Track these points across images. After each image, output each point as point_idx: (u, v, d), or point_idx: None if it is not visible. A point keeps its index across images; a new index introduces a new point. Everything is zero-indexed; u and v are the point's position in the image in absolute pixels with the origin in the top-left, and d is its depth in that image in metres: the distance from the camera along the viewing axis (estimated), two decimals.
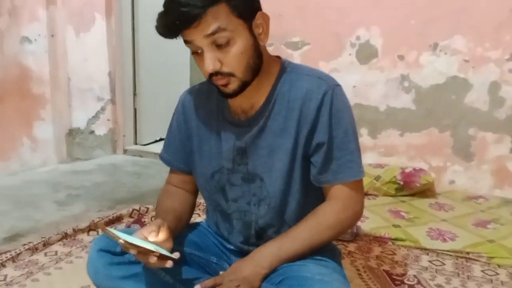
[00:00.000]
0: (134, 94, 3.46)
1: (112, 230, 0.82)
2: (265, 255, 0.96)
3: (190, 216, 1.19)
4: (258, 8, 0.94)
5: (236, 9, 0.87)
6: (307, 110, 0.95)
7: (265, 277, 0.94)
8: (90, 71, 3.15)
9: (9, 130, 2.74)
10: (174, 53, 3.69)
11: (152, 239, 0.89)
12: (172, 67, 3.72)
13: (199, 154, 1.08)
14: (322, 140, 0.96)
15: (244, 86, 0.93)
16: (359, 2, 2.51)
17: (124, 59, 3.33)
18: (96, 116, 3.21)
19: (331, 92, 0.95)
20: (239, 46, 0.88)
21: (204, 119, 1.07)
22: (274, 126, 0.98)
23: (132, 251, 0.84)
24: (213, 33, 0.85)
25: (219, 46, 0.87)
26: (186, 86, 3.95)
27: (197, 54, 0.90)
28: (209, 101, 1.07)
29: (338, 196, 0.99)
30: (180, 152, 1.13)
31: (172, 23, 0.86)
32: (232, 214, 1.08)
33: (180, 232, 1.10)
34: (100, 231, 1.79)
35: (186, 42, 0.89)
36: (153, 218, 1.72)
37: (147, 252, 0.84)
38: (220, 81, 0.91)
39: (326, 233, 0.99)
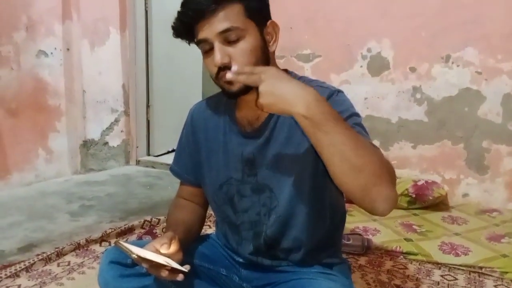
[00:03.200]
0: (147, 106, 3.51)
1: (125, 244, 0.83)
2: (319, 97, 0.77)
3: (200, 229, 1.20)
4: (269, 16, 0.97)
5: (249, 11, 0.90)
6: None
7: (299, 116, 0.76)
8: (105, 83, 3.20)
9: (24, 142, 2.79)
10: (186, 66, 3.76)
11: (163, 251, 0.90)
12: (185, 80, 3.77)
13: (207, 166, 1.09)
14: None
15: (248, 86, 0.91)
16: (368, 13, 2.51)
17: (138, 71, 3.39)
18: (110, 128, 3.26)
19: (335, 95, 0.95)
20: (249, 44, 0.90)
21: (212, 132, 1.08)
22: (280, 136, 0.98)
23: (145, 265, 0.85)
24: (225, 31, 0.88)
25: (229, 43, 0.89)
26: (199, 98, 3.99)
27: (207, 54, 0.92)
28: (217, 113, 1.09)
29: None
30: (189, 165, 1.14)
31: (187, 18, 0.90)
32: (241, 225, 1.08)
33: (190, 244, 1.11)
34: (112, 242, 1.81)
35: (198, 42, 0.92)
36: (164, 230, 1.73)
37: (159, 266, 0.85)
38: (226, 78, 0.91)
39: (371, 155, 0.77)
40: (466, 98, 2.33)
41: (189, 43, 0.98)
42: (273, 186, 1.00)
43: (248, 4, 0.90)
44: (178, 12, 0.93)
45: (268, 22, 0.95)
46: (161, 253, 0.90)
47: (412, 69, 2.44)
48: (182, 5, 0.92)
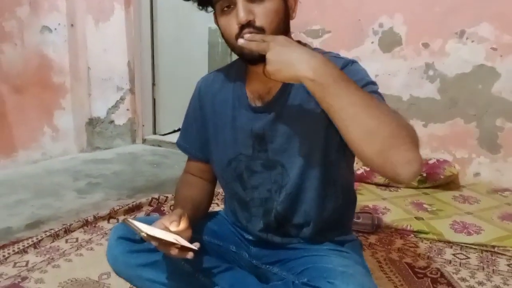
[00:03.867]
0: (153, 84, 3.47)
1: (134, 221, 0.81)
2: (327, 61, 0.75)
3: (209, 205, 1.18)
4: None
5: None
6: None
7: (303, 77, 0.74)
8: (110, 61, 3.16)
9: (30, 120, 2.77)
10: (192, 44, 3.70)
11: (173, 229, 0.88)
12: (191, 58, 3.71)
13: (215, 142, 1.07)
14: None
15: None
16: None
17: (143, 49, 3.33)
18: (115, 106, 3.23)
19: (349, 65, 0.92)
20: (274, 4, 0.87)
21: (220, 106, 1.05)
22: (292, 112, 0.95)
23: (154, 243, 0.83)
24: None
25: (254, 1, 0.85)
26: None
27: (226, 12, 0.88)
28: (225, 87, 1.05)
29: None
30: (196, 140, 1.12)
31: None
32: (251, 202, 1.06)
33: (199, 221, 1.09)
34: (120, 219, 1.80)
35: (217, 0, 0.88)
36: (172, 207, 1.72)
37: (168, 244, 0.83)
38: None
39: (386, 115, 0.73)
40: (479, 75, 2.26)
41: (201, 5, 0.94)
42: (285, 162, 0.98)
43: None
44: None
45: None
46: (170, 230, 0.88)
47: (425, 45, 2.37)
48: None
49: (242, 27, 0.85)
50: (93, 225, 1.74)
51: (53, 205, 2.01)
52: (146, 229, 0.81)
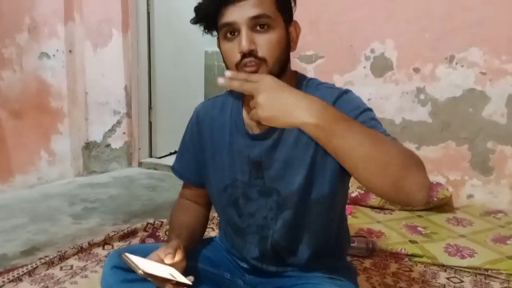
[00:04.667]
0: (150, 108, 3.51)
1: (131, 257, 0.83)
2: (325, 103, 0.74)
3: (204, 231, 1.18)
4: (292, 16, 0.96)
5: (279, 4, 0.89)
6: None
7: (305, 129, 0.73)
8: (107, 85, 3.20)
9: (27, 144, 2.79)
10: (189, 67, 3.76)
11: (168, 261, 0.89)
12: (187, 82, 3.77)
13: (212, 167, 1.07)
14: None
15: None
16: (372, 16, 2.50)
17: (140, 73, 3.38)
18: (112, 130, 3.26)
19: (345, 94, 0.94)
20: (276, 35, 0.88)
21: (218, 132, 1.06)
22: (289, 139, 0.96)
23: (150, 279, 0.84)
24: (256, 17, 0.86)
25: (257, 31, 0.87)
26: (201, 99, 3.99)
27: (229, 40, 0.90)
28: (223, 113, 1.06)
29: None
30: (192, 164, 1.12)
31: (217, 0, 0.88)
32: (247, 229, 1.06)
33: (193, 247, 1.09)
34: (115, 245, 1.80)
35: (223, 26, 0.89)
36: (167, 232, 1.72)
37: (164, 280, 0.84)
38: (250, 68, 0.88)
39: (392, 147, 0.72)
40: (470, 99, 2.31)
41: (206, 30, 0.96)
42: (281, 189, 0.98)
43: None
44: None
45: (293, 21, 0.94)
46: (165, 263, 0.89)
47: (416, 70, 2.43)
48: None
49: (244, 55, 0.87)
50: (88, 251, 1.74)
51: (49, 231, 2.01)
52: (143, 264, 0.82)
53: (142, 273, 0.80)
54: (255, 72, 0.88)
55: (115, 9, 3.22)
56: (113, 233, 1.87)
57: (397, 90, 2.48)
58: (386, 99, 2.51)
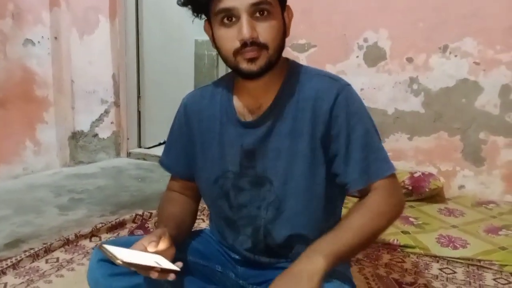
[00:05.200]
0: (138, 97, 3.44)
1: (109, 247, 0.78)
2: (320, 250, 0.83)
3: (193, 223, 1.15)
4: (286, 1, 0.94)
5: None
6: (320, 110, 0.91)
7: (324, 276, 0.81)
8: (94, 73, 3.12)
9: (12, 134, 2.72)
10: (178, 56, 3.69)
11: (151, 249, 0.85)
12: (177, 70, 3.70)
13: (202, 159, 1.04)
14: (340, 143, 0.91)
15: (269, 66, 0.89)
16: (366, 6, 2.47)
17: (128, 61, 3.31)
18: (100, 119, 3.19)
19: (345, 92, 0.91)
20: (276, 22, 0.87)
21: (207, 122, 1.03)
22: (283, 128, 0.94)
23: (133, 268, 0.80)
24: (258, 3, 0.84)
25: (257, 17, 0.85)
26: (191, 88, 3.93)
27: (226, 26, 0.87)
28: (212, 103, 1.03)
29: (379, 187, 0.92)
30: (181, 157, 1.09)
31: None
32: (239, 220, 1.03)
33: (183, 239, 1.06)
34: (102, 237, 1.76)
35: (220, 11, 0.86)
36: (156, 224, 1.68)
37: (148, 267, 0.80)
38: (250, 53, 0.86)
39: (380, 220, 0.90)
40: (463, 89, 2.30)
41: (196, 14, 0.92)
42: (274, 178, 0.96)
43: None
44: None
45: (287, 6, 0.93)
46: (150, 251, 0.85)
47: (409, 60, 2.40)
48: None
49: (245, 43, 0.85)
50: (75, 244, 1.70)
51: (34, 222, 1.96)
52: (123, 254, 0.78)
53: (120, 262, 0.76)
54: (256, 58, 0.86)
55: None
56: (100, 225, 1.82)
57: (390, 80, 2.46)
58: (379, 89, 2.48)
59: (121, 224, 1.88)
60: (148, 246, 0.86)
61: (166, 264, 0.83)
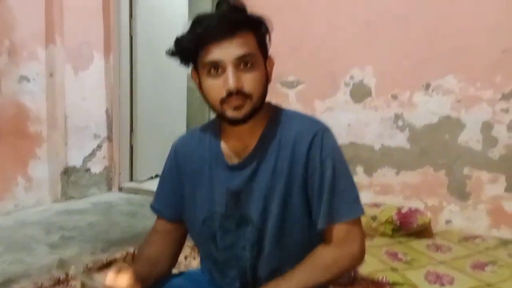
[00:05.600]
0: (131, 131, 3.48)
1: (82, 278, 0.82)
2: None
3: (170, 265, 1.15)
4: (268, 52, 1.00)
5: (260, 42, 0.95)
6: (298, 151, 0.97)
7: None
8: (88, 109, 3.17)
9: (4, 170, 2.73)
10: (171, 91, 3.77)
11: (110, 282, 0.87)
12: (169, 105, 3.76)
13: (191, 200, 1.08)
14: (315, 182, 0.96)
15: (253, 113, 0.95)
16: (352, 43, 2.56)
17: (122, 96, 3.37)
18: (92, 154, 3.21)
19: (321, 133, 0.97)
20: (259, 73, 0.94)
21: (197, 165, 1.07)
22: (267, 168, 0.98)
23: None
24: (242, 57, 0.91)
25: (242, 69, 0.91)
26: (183, 123, 3.99)
27: (213, 77, 0.92)
28: (201, 147, 1.08)
29: (332, 237, 0.97)
30: (170, 199, 1.12)
31: (201, 37, 0.91)
32: (225, 262, 1.06)
33: (157, 280, 1.07)
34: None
35: (207, 64, 0.92)
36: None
37: None
38: (236, 102, 0.92)
39: (322, 274, 0.96)
40: (446, 125, 2.37)
41: (184, 63, 0.98)
42: (254, 218, 1.00)
43: (258, 35, 0.95)
44: (189, 30, 0.93)
45: (268, 56, 1.00)
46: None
47: (394, 97, 2.48)
48: (196, 23, 0.92)
49: (230, 93, 0.90)
50: (65, 283, 1.69)
51: (25, 261, 1.96)
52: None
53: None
54: (241, 106, 0.92)
55: (97, 31, 3.21)
56: (91, 264, 1.82)
57: (377, 117, 2.53)
58: (366, 125, 2.55)
59: (111, 263, 1.88)
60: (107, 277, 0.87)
61: None
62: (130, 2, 3.36)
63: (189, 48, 0.94)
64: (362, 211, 0.99)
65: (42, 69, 2.94)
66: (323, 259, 0.97)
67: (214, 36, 0.90)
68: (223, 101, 0.93)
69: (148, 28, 3.47)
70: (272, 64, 1.02)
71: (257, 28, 0.95)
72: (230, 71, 0.90)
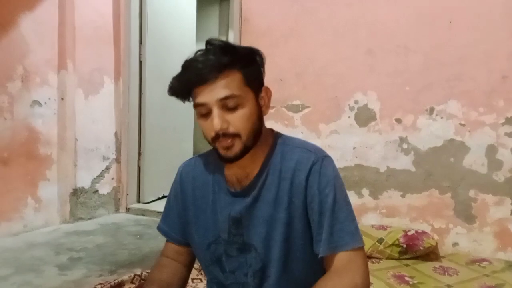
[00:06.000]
0: (139, 153, 3.53)
1: None
2: None
3: (180, 287, 1.16)
4: (263, 82, 1.01)
5: (247, 78, 0.95)
6: (298, 180, 0.98)
7: None
8: (97, 131, 3.23)
9: (14, 191, 2.77)
10: (178, 114, 3.83)
11: None
12: (177, 128, 3.82)
13: (196, 225, 1.09)
14: (314, 209, 0.97)
15: (245, 150, 0.96)
16: (355, 69, 2.63)
17: (131, 120, 3.43)
18: (100, 175, 3.26)
19: (319, 162, 0.98)
20: (247, 111, 0.94)
21: (201, 190, 1.09)
22: (268, 196, 1.00)
23: None
24: (225, 98, 0.92)
25: (228, 110, 0.93)
26: (189, 146, 4.04)
27: (204, 117, 0.95)
28: (205, 172, 1.10)
29: (334, 266, 0.96)
30: (176, 223, 1.14)
31: (187, 82, 0.94)
32: (230, 286, 1.07)
33: None
34: None
35: (196, 105, 0.95)
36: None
37: None
38: (224, 143, 0.94)
39: None
40: (451, 149, 2.40)
41: (183, 101, 1.02)
42: (259, 246, 1.01)
43: (246, 73, 0.94)
44: (178, 74, 0.96)
45: (262, 88, 1.00)
46: None
47: (398, 121, 2.52)
48: (184, 68, 0.95)
49: (217, 134, 0.94)
50: None
51: (34, 283, 1.97)
52: None
53: None
54: (231, 146, 0.95)
55: (107, 57, 3.31)
56: (99, 286, 1.84)
57: (381, 140, 2.56)
58: (371, 148, 2.59)
59: (119, 285, 1.89)
60: None
61: None
62: (140, 28, 3.47)
63: (181, 93, 0.98)
64: (362, 242, 0.98)
65: (54, 94, 3.02)
66: None
67: (199, 80, 0.93)
68: (214, 140, 0.96)
69: (157, 54, 3.56)
70: (269, 94, 1.02)
71: (245, 65, 0.95)
72: (215, 113, 0.92)
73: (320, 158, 0.99)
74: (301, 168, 0.98)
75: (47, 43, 2.96)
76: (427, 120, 2.45)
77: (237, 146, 0.95)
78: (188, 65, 0.95)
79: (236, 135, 0.94)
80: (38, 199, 2.92)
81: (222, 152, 0.96)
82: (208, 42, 0.95)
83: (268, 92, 1.01)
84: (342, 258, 0.95)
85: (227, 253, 1.04)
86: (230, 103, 0.92)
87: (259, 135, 0.99)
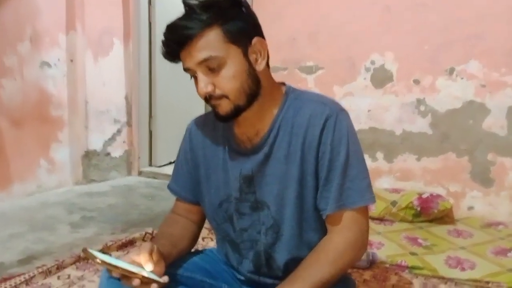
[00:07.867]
0: (150, 117, 3.52)
1: (92, 251, 0.81)
2: None
3: (191, 245, 1.15)
4: (257, 33, 0.93)
5: (229, 35, 0.88)
6: (311, 136, 0.94)
7: None
8: (108, 94, 3.21)
9: (27, 152, 2.79)
10: (189, 77, 3.78)
11: (149, 268, 0.87)
12: (187, 91, 3.75)
13: (207, 184, 1.07)
14: (324, 166, 0.94)
15: (237, 110, 0.92)
16: (371, 28, 2.53)
17: (141, 82, 3.40)
18: (112, 138, 3.26)
19: (334, 117, 0.93)
20: (231, 70, 0.89)
21: (211, 148, 1.06)
22: (279, 153, 0.97)
23: (114, 274, 0.82)
24: (204, 60, 0.88)
25: (211, 70, 0.89)
26: (201, 108, 4.00)
27: (194, 80, 0.93)
28: (215, 130, 1.06)
29: (337, 227, 0.94)
30: (187, 182, 1.12)
31: (170, 47, 0.90)
32: (242, 244, 1.05)
33: (177, 258, 1.07)
34: (113, 255, 1.79)
35: (185, 70, 0.93)
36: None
37: (130, 274, 0.81)
38: (213, 103, 0.92)
39: (327, 270, 0.91)
40: (470, 111, 2.32)
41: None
42: (270, 203, 0.98)
43: (227, 28, 0.88)
44: (162, 41, 0.92)
45: (254, 40, 0.92)
46: (136, 264, 0.87)
47: (416, 82, 2.44)
48: (164, 34, 0.91)
49: (205, 98, 0.91)
50: (86, 261, 1.73)
51: (47, 240, 2.00)
52: (104, 258, 0.80)
53: (99, 261, 0.78)
54: (218, 106, 0.92)
55: (117, 19, 3.25)
56: (111, 243, 1.85)
57: (397, 102, 2.49)
58: (386, 110, 2.51)
59: (131, 242, 1.91)
60: (135, 258, 0.87)
61: (151, 275, 0.85)
62: None
63: (169, 57, 0.93)
64: (373, 199, 0.95)
65: (63, 55, 2.99)
66: (326, 254, 0.92)
67: (178, 44, 0.89)
68: (207, 102, 0.94)
69: (167, 15, 3.47)
70: (264, 45, 0.94)
71: (226, 21, 0.88)
72: (199, 76, 0.89)
73: (335, 112, 0.94)
74: (315, 123, 0.94)
75: (56, 3, 2.91)
76: (446, 81, 2.36)
77: (226, 106, 0.91)
78: (167, 30, 0.91)
79: (224, 97, 0.90)
80: (51, 161, 2.94)
81: (215, 111, 0.94)
82: (184, 3, 0.90)
83: (263, 44, 0.94)
84: (346, 217, 0.93)
85: (239, 211, 1.02)
86: (212, 64, 0.88)
87: (255, 93, 0.94)
